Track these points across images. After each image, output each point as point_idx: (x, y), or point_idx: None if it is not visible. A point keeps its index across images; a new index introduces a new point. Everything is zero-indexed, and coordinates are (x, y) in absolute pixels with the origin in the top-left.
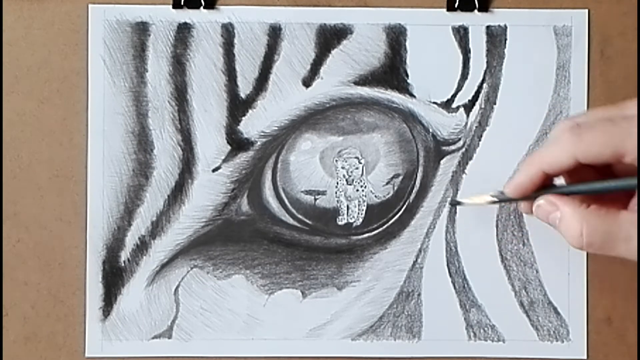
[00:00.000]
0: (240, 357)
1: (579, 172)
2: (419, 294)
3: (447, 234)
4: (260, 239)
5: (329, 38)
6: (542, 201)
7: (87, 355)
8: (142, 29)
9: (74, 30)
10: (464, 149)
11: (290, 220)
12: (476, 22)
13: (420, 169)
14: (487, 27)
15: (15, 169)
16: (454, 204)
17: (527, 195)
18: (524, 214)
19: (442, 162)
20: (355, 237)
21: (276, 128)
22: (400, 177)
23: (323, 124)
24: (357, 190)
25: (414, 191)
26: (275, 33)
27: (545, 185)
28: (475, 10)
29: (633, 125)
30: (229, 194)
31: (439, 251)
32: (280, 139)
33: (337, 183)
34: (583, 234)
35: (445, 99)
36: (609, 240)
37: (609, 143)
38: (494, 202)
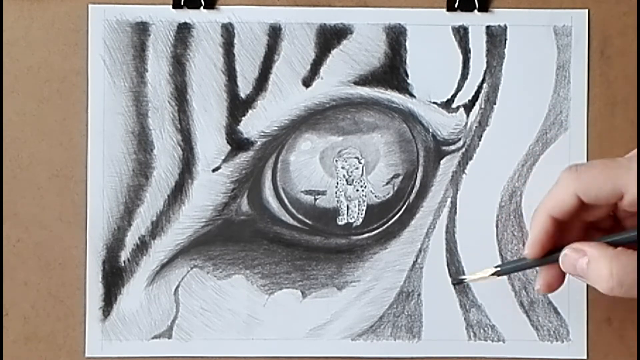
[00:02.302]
0: (240, 357)
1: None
2: (419, 294)
3: (447, 234)
4: (260, 239)
5: (329, 38)
6: (567, 250)
7: (87, 355)
8: (142, 29)
9: (74, 30)
10: (464, 149)
11: (290, 220)
12: (476, 22)
13: (420, 169)
14: (487, 27)
15: (15, 169)
16: (457, 283)
17: (546, 253)
18: (524, 216)
19: (442, 162)
20: (355, 237)
21: (276, 128)
22: (400, 177)
23: (323, 124)
24: (357, 190)
25: (414, 191)
26: (275, 33)
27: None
28: (475, 10)
29: (632, 162)
30: (229, 194)
31: (439, 251)
32: (280, 139)
33: (337, 183)
34: (613, 273)
35: (445, 99)
36: (637, 280)
37: (608, 180)
38: (498, 275)
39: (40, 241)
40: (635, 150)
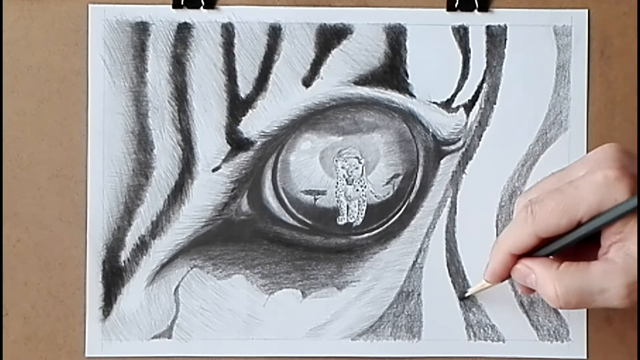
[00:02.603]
0: (240, 357)
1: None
2: (419, 294)
3: (447, 234)
4: (260, 239)
5: (329, 38)
6: (518, 266)
7: (87, 355)
8: (142, 29)
9: (74, 30)
10: (464, 149)
11: (290, 220)
12: (476, 22)
13: (420, 169)
14: (487, 27)
15: (15, 169)
16: (463, 298)
17: (505, 278)
18: None
19: (442, 162)
20: (355, 237)
21: (276, 128)
22: (400, 177)
23: (323, 124)
24: (357, 190)
25: (414, 191)
26: (275, 33)
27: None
28: (475, 10)
29: (581, 189)
30: (229, 194)
31: (439, 251)
32: (280, 139)
33: (337, 183)
34: (557, 294)
35: (445, 99)
36: (583, 296)
37: (563, 213)
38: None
39: (40, 241)
40: (580, 165)
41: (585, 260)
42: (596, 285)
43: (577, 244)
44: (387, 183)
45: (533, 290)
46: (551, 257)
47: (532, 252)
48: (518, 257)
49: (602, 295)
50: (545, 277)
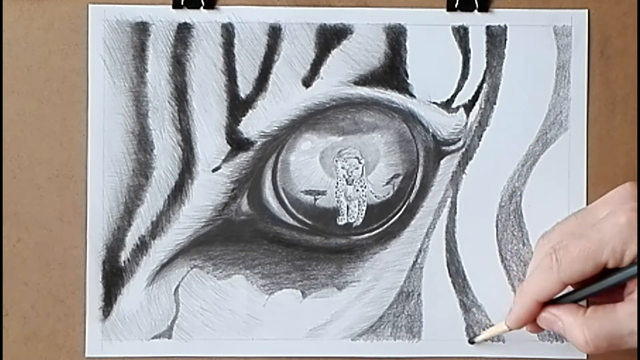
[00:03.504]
0: (240, 357)
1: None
2: (419, 294)
3: (447, 234)
4: (260, 239)
5: (329, 38)
6: (544, 314)
7: (87, 355)
8: (142, 29)
9: (74, 30)
10: (464, 149)
11: (290, 220)
12: (476, 22)
13: (420, 169)
14: (487, 27)
15: (15, 169)
16: (473, 342)
17: (528, 324)
18: (524, 216)
19: (442, 162)
20: (355, 237)
21: (276, 128)
22: (400, 177)
23: (323, 124)
24: (357, 190)
25: (414, 191)
26: (275, 33)
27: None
28: (475, 10)
29: (604, 232)
30: (229, 194)
31: (439, 251)
32: (280, 139)
33: (337, 183)
34: (587, 341)
35: (445, 99)
36: (614, 339)
37: (588, 260)
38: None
39: (40, 241)
40: (601, 205)
41: (609, 300)
42: (625, 327)
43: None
44: (387, 183)
45: (542, 329)
46: (577, 302)
47: (557, 298)
48: (543, 304)
49: (632, 336)
50: (573, 324)
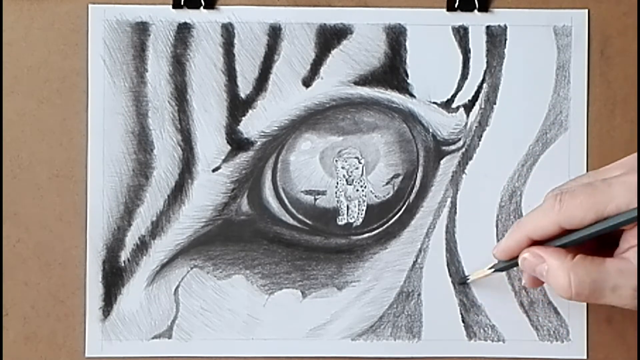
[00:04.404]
0: (240, 357)
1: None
2: (419, 294)
3: (447, 234)
4: (260, 239)
5: (329, 38)
6: (527, 254)
7: (87, 355)
8: (142, 29)
9: (74, 30)
10: (464, 149)
11: (290, 220)
12: (476, 22)
13: (420, 169)
14: (487, 27)
15: (15, 169)
16: (462, 282)
17: (514, 257)
18: (523, 215)
19: (442, 162)
20: (355, 237)
21: (276, 128)
22: (400, 177)
23: (323, 124)
24: (357, 190)
25: (414, 191)
26: (275, 33)
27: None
28: (475, 10)
29: (613, 187)
30: (229, 194)
31: (439, 251)
32: (280, 139)
33: (337, 183)
34: (571, 285)
35: (445, 99)
36: (596, 289)
37: (591, 207)
38: (497, 271)
39: (40, 241)
40: (616, 166)
41: (599, 256)
42: (610, 281)
43: (593, 245)
44: (387, 183)
45: (536, 284)
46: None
47: (547, 242)
48: (533, 243)
49: (614, 292)
50: (559, 267)
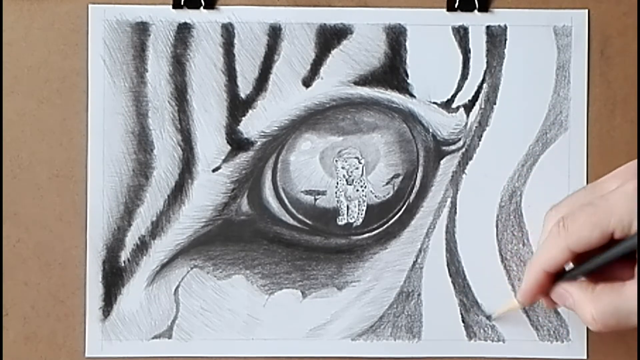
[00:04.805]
0: (240, 357)
1: (583, 255)
2: (419, 294)
3: (447, 234)
4: (260, 239)
5: (329, 38)
6: (557, 289)
7: (87, 355)
8: (142, 29)
9: (74, 30)
10: (464, 149)
11: (290, 220)
12: (476, 22)
13: (420, 169)
14: (487, 27)
15: (15, 169)
16: (489, 318)
17: (537, 299)
18: (524, 216)
19: (442, 162)
20: (355, 237)
21: (276, 128)
22: (400, 177)
23: (323, 124)
24: (357, 190)
25: (414, 191)
26: (275, 33)
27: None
28: (475, 11)
29: (612, 201)
30: (229, 194)
31: (439, 251)
32: (280, 139)
33: (337, 183)
34: (595, 319)
35: (445, 99)
36: (620, 317)
37: (595, 226)
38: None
39: (40, 241)
40: (612, 178)
41: (621, 277)
42: (632, 305)
43: (612, 262)
44: (387, 183)
45: (557, 304)
46: (585, 279)
47: (565, 270)
48: (552, 277)
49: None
50: (582, 300)
